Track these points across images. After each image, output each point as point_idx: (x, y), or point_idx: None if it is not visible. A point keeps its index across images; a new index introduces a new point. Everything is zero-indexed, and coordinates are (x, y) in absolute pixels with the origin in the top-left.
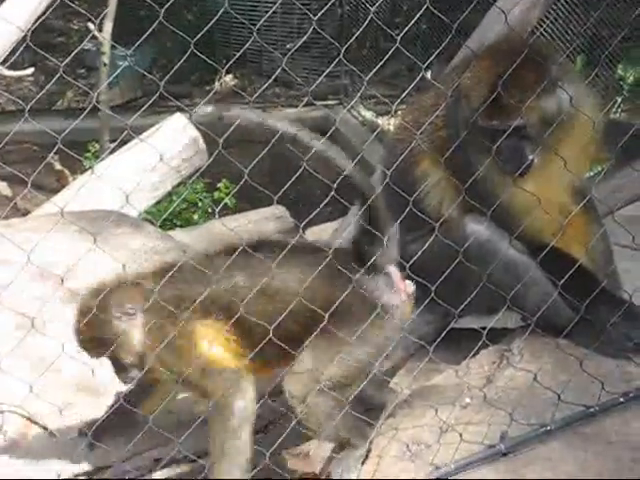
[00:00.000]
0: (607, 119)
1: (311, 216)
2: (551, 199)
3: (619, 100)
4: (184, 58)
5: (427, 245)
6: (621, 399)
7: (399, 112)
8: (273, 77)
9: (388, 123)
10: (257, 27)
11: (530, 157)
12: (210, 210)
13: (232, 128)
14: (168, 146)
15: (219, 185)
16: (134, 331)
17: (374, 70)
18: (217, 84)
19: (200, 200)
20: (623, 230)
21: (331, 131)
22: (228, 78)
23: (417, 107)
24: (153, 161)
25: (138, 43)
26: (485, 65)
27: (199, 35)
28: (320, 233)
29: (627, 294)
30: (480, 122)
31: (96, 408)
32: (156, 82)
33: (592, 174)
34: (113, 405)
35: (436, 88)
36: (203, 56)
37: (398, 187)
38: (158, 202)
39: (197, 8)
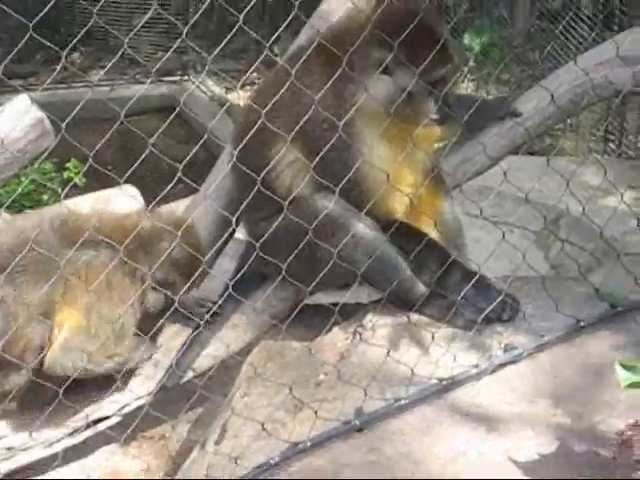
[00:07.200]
0: (454, 92)
1: (161, 195)
2: (404, 175)
3: (466, 70)
4: (25, 39)
5: (278, 223)
6: (473, 370)
7: (248, 87)
8: (118, 55)
9: (237, 97)
10: (99, 5)
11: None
12: (60, 190)
13: (79, 107)
14: (12, 128)
15: (68, 165)
16: None
17: (221, 45)
18: (62, 63)
19: (49, 180)
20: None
21: (179, 108)
22: (75, 56)
23: (271, 85)
24: None
25: None
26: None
27: (38, 17)
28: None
29: (476, 266)
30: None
31: None
32: None
33: (440, 147)
34: None
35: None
36: (46, 35)
37: (250, 165)
38: (4, 185)
39: None
